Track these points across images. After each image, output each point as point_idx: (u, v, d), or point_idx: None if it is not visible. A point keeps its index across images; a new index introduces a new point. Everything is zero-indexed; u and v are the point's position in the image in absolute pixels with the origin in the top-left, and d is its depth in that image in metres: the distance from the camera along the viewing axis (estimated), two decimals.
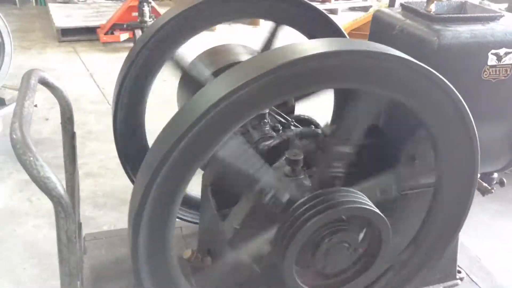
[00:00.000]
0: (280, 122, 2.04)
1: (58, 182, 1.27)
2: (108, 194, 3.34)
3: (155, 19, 6.34)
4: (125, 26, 6.27)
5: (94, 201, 3.26)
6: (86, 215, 3.04)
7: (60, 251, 1.36)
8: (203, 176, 2.02)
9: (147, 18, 6.12)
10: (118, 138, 2.12)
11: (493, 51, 1.68)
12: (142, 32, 6.13)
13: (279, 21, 2.06)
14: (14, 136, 1.26)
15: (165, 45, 1.96)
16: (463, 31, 1.65)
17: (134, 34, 6.17)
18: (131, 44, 6.38)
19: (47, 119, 4.38)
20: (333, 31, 2.11)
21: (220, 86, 1.25)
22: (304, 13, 2.07)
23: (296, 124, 2.06)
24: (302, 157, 1.65)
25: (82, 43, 6.54)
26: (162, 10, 6.63)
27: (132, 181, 2.18)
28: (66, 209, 1.29)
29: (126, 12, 6.31)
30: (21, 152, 1.24)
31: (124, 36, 6.40)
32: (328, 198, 1.35)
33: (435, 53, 1.61)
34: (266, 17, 2.12)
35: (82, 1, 7.89)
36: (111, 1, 8.01)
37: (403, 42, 1.73)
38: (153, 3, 6.25)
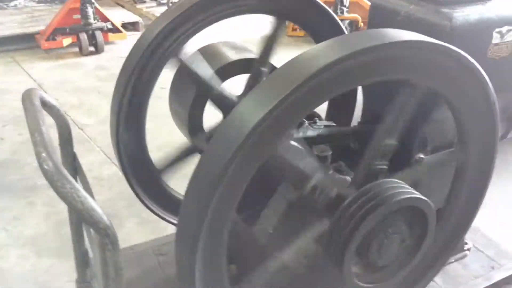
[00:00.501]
0: None
1: (103, 212, 1.17)
2: None
3: (99, 20, 6.05)
4: (67, 30, 5.92)
5: None
6: None
7: (107, 286, 1.25)
8: None
9: (91, 20, 5.82)
10: (121, 149, 2.00)
11: (497, 29, 1.73)
12: (87, 35, 5.85)
13: (281, 16, 2.03)
14: (47, 167, 1.14)
15: (166, 48, 1.87)
16: (470, 13, 1.68)
17: (78, 38, 5.84)
18: (76, 49, 6.07)
19: (2, 139, 4.07)
20: (330, 23, 2.12)
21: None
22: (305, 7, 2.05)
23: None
24: (330, 153, 1.64)
25: (21, 52, 6.10)
26: (106, 11, 6.35)
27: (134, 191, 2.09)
28: (113, 240, 1.19)
29: (67, 15, 5.95)
30: (60, 185, 1.13)
31: (67, 41, 6.04)
32: (382, 191, 1.35)
33: (448, 36, 1.64)
34: (269, 13, 2.07)
35: (12, 7, 7.37)
36: (44, 4, 7.54)
37: (411, 28, 1.74)
38: (96, 4, 5.95)
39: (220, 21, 2.00)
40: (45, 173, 1.14)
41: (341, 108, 2.38)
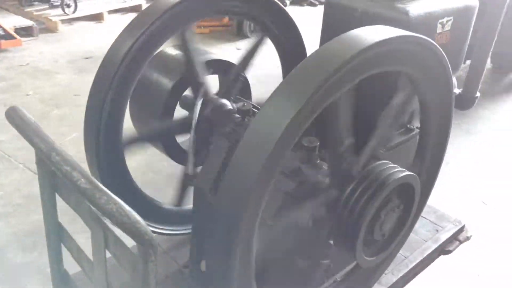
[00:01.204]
0: None
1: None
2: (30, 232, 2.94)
3: None
4: None
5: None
6: None
7: None
8: (199, 181, 1.97)
9: None
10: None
11: (440, 20, 1.98)
12: None
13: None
14: (87, 186, 1.10)
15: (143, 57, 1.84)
16: (420, 7, 1.91)
17: None
18: None
19: None
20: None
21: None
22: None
23: None
24: (318, 143, 1.75)
25: None
26: None
27: None
28: (155, 251, 1.18)
29: None
30: (104, 202, 1.10)
31: None
32: (384, 172, 1.50)
33: (406, 28, 1.82)
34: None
35: None
36: None
37: (370, 23, 1.92)
38: None
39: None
40: (84, 192, 1.10)
41: None
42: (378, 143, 1.62)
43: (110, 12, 7.31)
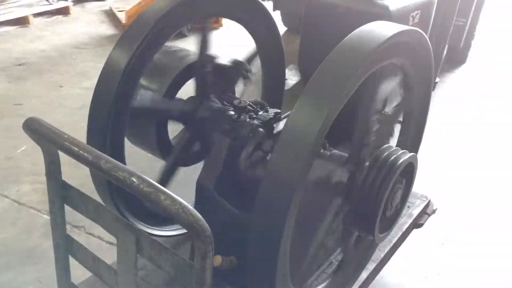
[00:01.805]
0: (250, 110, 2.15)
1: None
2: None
3: None
4: None
5: None
6: None
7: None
8: (201, 180, 2.00)
9: None
10: None
11: (412, 13, 2.17)
12: None
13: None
14: (150, 189, 1.10)
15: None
16: (396, 2, 2.08)
17: None
18: None
19: None
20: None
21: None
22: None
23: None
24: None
25: None
26: None
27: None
28: (213, 248, 1.21)
29: None
30: (170, 203, 1.11)
31: None
32: (393, 154, 1.65)
33: None
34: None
35: None
36: None
37: (353, 18, 2.06)
38: None
39: None
40: (148, 195, 1.10)
41: (274, 93, 2.61)
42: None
43: (35, 15, 6.91)
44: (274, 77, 2.57)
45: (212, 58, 2.21)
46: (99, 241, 2.85)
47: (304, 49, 2.12)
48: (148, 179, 1.15)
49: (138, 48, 1.74)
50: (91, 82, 5.11)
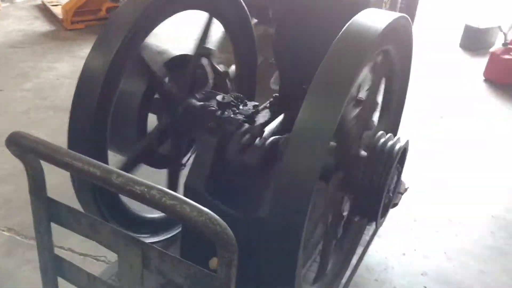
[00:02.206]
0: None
1: None
2: None
3: None
4: None
5: None
6: None
7: None
8: (190, 182, 1.92)
9: None
10: None
11: (384, 0, 2.18)
12: None
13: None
14: (173, 202, 1.02)
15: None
16: None
17: None
18: None
19: None
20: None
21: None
22: None
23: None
24: None
25: None
26: None
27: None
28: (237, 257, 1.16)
29: None
30: (196, 214, 1.04)
31: None
32: (389, 141, 1.65)
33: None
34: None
35: None
36: None
37: (332, 7, 2.04)
38: None
39: None
40: (172, 209, 1.02)
41: (247, 84, 2.57)
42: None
43: None
44: (247, 69, 2.52)
45: (208, 52, 2.15)
46: (72, 254, 2.68)
47: (280, 37, 2.07)
48: (168, 190, 1.07)
49: (119, 49, 1.62)
50: (34, 84, 4.80)
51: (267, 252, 1.42)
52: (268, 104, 2.40)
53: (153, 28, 1.82)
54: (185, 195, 1.94)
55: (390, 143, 1.67)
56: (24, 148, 1.23)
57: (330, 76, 1.39)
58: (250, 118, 2.07)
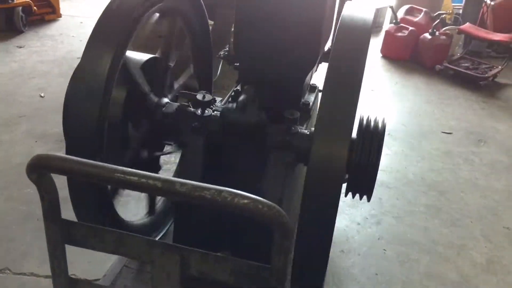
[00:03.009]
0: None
1: None
2: None
3: None
4: None
5: None
6: None
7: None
8: None
9: None
10: None
11: None
12: None
13: None
14: (244, 201, 1.06)
15: None
16: None
17: None
18: None
19: None
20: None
21: None
22: None
23: None
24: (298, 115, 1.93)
25: None
26: None
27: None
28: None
29: None
30: (267, 210, 1.11)
31: None
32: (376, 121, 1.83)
33: None
34: None
35: None
36: None
37: None
38: None
39: None
40: (246, 207, 1.06)
41: (205, 80, 2.59)
42: None
43: None
44: (204, 65, 2.54)
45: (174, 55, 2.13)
46: (36, 279, 2.50)
47: (239, 29, 2.14)
48: (236, 191, 1.10)
49: (118, 49, 1.57)
50: None
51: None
52: (230, 99, 2.45)
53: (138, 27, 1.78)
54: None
55: (375, 124, 1.83)
56: (57, 171, 1.17)
57: (340, 70, 1.52)
58: None
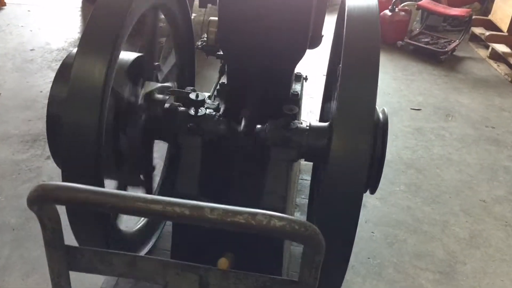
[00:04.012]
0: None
1: None
2: None
3: None
4: None
5: None
6: None
7: None
8: (181, 189, 1.83)
9: None
10: None
11: None
12: None
13: None
14: (280, 223, 0.99)
15: None
16: None
17: None
18: None
19: None
20: None
21: None
22: None
23: None
24: (297, 110, 1.87)
25: None
26: None
27: None
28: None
29: None
30: (304, 229, 1.03)
31: None
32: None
33: None
34: None
35: None
36: None
37: None
38: None
39: None
40: (282, 230, 0.98)
41: (187, 72, 2.47)
42: None
43: None
44: (187, 60, 2.41)
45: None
46: None
47: (223, 18, 2.04)
48: (268, 212, 1.02)
49: (113, 53, 1.43)
50: None
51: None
52: (216, 93, 2.35)
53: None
54: None
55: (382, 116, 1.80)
56: (67, 202, 1.05)
57: (357, 69, 1.46)
58: (217, 109, 2.02)
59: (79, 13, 6.13)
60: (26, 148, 3.30)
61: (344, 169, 1.40)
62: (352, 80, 1.45)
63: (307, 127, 1.86)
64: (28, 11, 6.01)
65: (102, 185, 1.55)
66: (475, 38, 6.21)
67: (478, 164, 3.73)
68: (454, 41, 5.95)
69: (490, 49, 5.80)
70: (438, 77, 5.31)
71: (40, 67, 4.56)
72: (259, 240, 1.72)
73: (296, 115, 1.84)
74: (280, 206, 1.78)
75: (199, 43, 2.56)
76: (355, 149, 1.39)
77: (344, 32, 1.51)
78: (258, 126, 1.88)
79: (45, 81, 4.25)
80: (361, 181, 1.42)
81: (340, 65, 1.52)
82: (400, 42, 5.92)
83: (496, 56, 5.72)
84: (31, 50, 4.90)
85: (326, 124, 1.88)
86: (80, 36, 2.21)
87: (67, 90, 1.49)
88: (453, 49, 5.83)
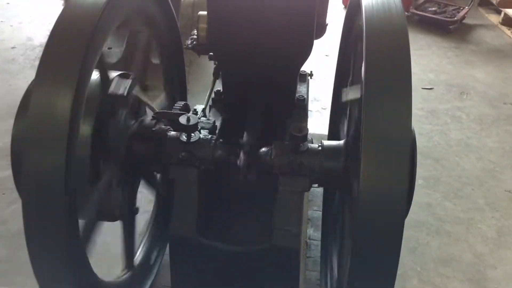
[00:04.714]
0: None
1: None
2: None
3: None
4: None
5: None
6: None
7: None
8: (177, 231, 1.58)
9: None
10: None
11: None
12: None
13: None
14: None
15: None
16: None
17: None
18: None
19: None
20: None
21: None
22: None
23: None
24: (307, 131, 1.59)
25: None
26: None
27: None
28: None
29: None
30: None
31: None
32: None
33: None
34: None
35: None
36: None
37: None
38: None
39: None
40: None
41: (177, 84, 2.19)
42: None
43: None
44: (175, 67, 2.13)
45: None
46: None
47: (214, 24, 1.75)
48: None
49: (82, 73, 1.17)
50: None
51: None
52: (211, 102, 2.08)
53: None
54: (173, 246, 1.63)
55: None
56: None
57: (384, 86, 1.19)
58: (213, 130, 1.75)
59: (62, 2, 5.76)
60: (7, 164, 3.04)
61: (380, 203, 1.14)
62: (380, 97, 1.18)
63: (319, 147, 1.59)
64: (7, 3, 5.64)
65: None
66: (485, 3, 5.84)
67: (500, 148, 3.45)
68: (463, 7, 5.57)
69: (502, 15, 5.44)
70: (448, 50, 4.97)
71: (22, 67, 4.25)
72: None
73: (306, 137, 1.56)
74: (294, 247, 1.53)
75: (189, 41, 2.26)
76: (391, 178, 1.13)
77: (364, 31, 1.23)
78: (263, 149, 1.60)
79: (28, 83, 3.94)
80: (402, 215, 1.17)
81: (363, 75, 1.26)
82: (406, 12, 5.56)
83: (509, 22, 5.37)
84: (12, 48, 4.57)
85: (341, 142, 1.61)
86: None
87: (25, 130, 1.23)
88: (463, 17, 5.46)
